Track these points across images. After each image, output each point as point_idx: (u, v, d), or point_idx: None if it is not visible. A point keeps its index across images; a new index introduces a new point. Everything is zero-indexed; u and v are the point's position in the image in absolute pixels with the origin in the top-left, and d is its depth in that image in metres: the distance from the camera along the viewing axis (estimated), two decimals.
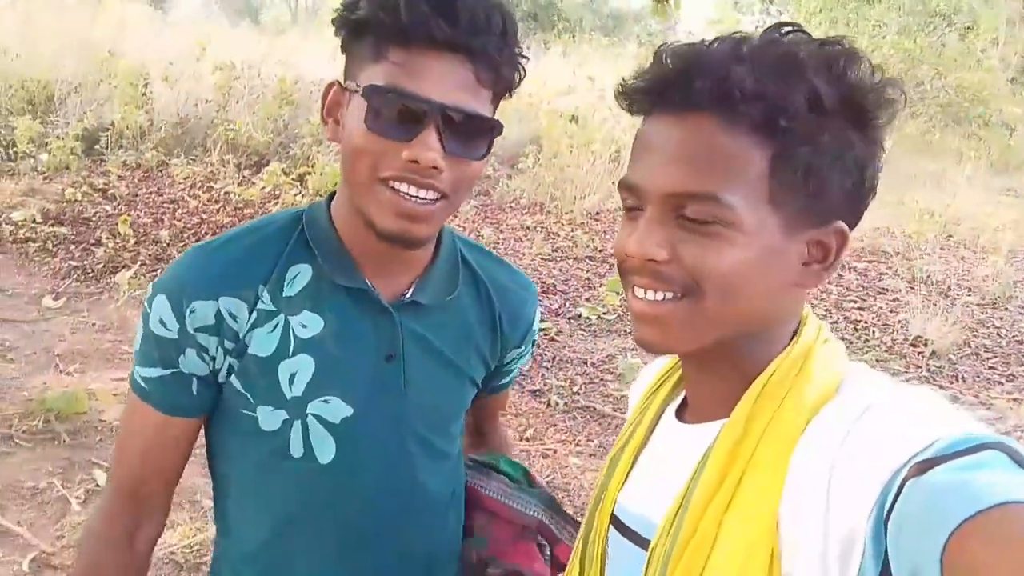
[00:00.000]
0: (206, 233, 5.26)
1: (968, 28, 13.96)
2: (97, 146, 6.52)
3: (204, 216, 5.58)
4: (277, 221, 0.96)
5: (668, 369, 0.84)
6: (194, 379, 0.92)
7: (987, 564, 0.49)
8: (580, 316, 4.84)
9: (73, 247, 4.99)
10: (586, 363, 4.26)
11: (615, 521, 0.78)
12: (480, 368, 1.05)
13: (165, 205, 5.77)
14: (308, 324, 0.92)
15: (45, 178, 5.99)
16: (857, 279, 5.95)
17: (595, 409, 3.79)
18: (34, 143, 6.20)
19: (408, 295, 0.95)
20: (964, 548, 0.50)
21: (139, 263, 4.79)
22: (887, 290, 5.82)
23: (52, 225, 5.17)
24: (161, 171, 6.42)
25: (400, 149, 0.82)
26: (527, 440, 3.46)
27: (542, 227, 6.42)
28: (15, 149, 6.10)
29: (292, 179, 6.27)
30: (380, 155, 0.83)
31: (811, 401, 0.65)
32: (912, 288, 5.83)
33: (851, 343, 4.79)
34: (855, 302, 5.52)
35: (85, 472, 2.88)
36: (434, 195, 0.85)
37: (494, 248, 5.15)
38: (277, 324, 0.91)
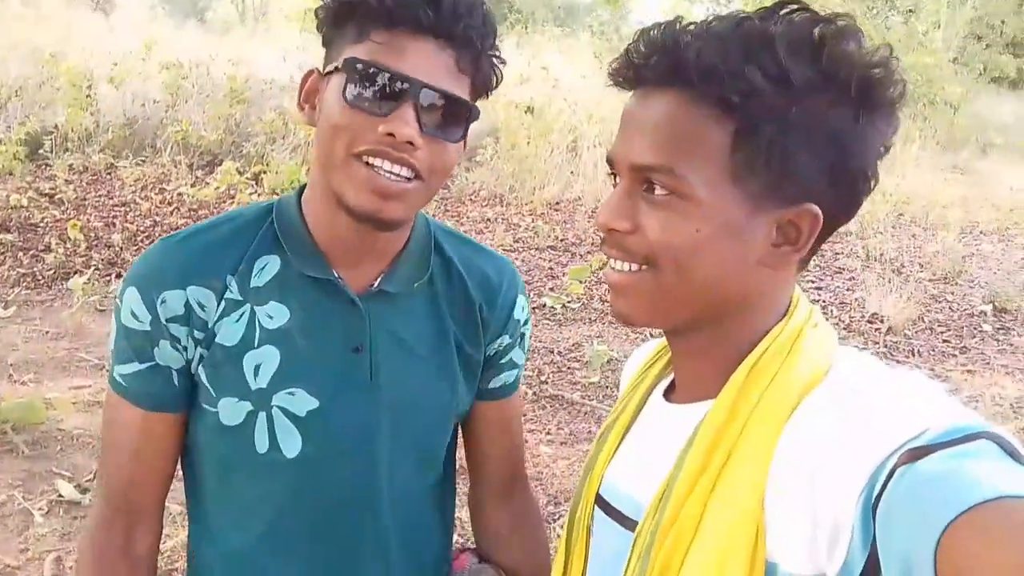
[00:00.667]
0: (160, 236, 5.14)
1: (910, 11, 14.30)
2: (41, 150, 6.31)
3: (158, 218, 5.46)
4: (247, 214, 0.96)
5: (660, 349, 0.83)
6: (172, 371, 0.91)
7: (983, 559, 0.49)
8: (545, 306, 4.85)
9: (21, 254, 4.84)
10: (553, 352, 4.27)
11: (600, 501, 0.77)
12: (465, 362, 1.01)
13: (116, 208, 5.62)
14: (274, 315, 0.91)
15: None
16: (814, 259, 6.02)
17: (563, 397, 3.80)
18: None
19: (376, 284, 0.94)
20: (959, 543, 0.49)
21: (92, 268, 4.67)
22: (843, 269, 5.95)
23: None
24: (110, 173, 6.25)
25: (377, 124, 0.82)
26: None
27: (503, 219, 6.41)
28: None
29: (247, 178, 6.16)
30: (357, 130, 0.83)
31: (799, 384, 0.64)
32: (867, 266, 5.97)
33: None
34: (813, 282, 5.64)
35: (46, 483, 2.80)
36: (409, 172, 0.84)
37: None
38: (243, 314, 0.90)
